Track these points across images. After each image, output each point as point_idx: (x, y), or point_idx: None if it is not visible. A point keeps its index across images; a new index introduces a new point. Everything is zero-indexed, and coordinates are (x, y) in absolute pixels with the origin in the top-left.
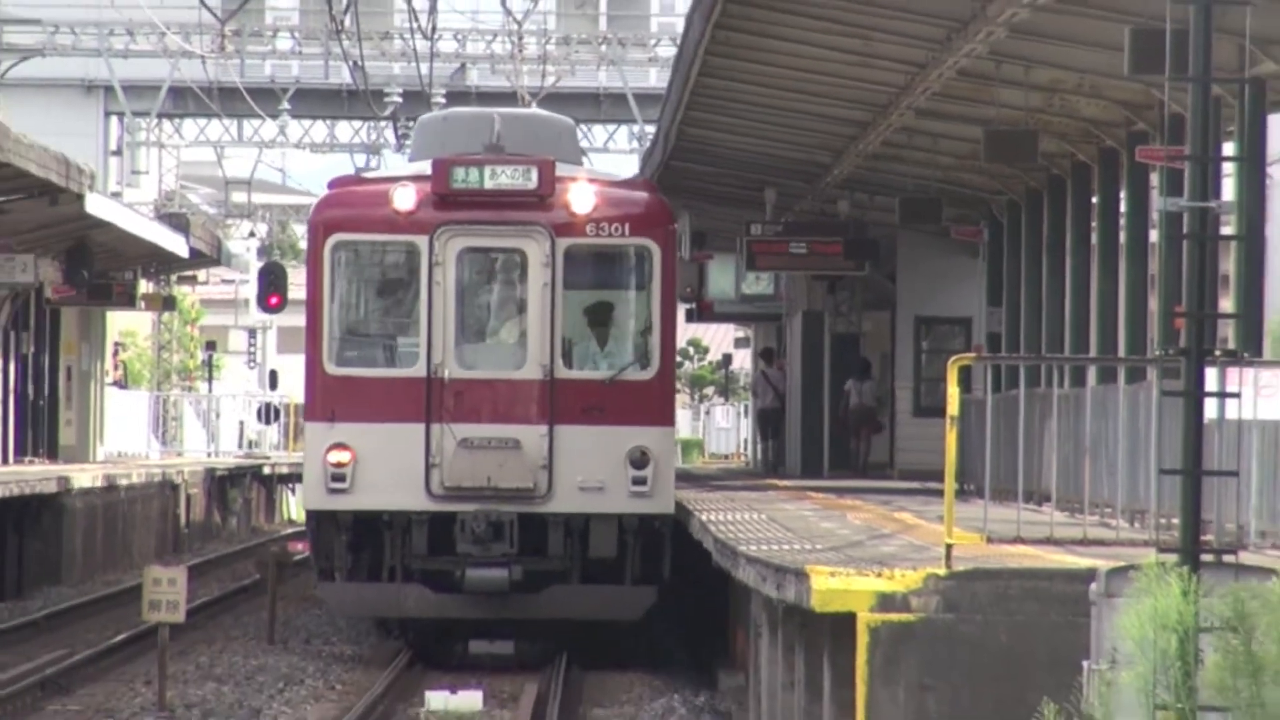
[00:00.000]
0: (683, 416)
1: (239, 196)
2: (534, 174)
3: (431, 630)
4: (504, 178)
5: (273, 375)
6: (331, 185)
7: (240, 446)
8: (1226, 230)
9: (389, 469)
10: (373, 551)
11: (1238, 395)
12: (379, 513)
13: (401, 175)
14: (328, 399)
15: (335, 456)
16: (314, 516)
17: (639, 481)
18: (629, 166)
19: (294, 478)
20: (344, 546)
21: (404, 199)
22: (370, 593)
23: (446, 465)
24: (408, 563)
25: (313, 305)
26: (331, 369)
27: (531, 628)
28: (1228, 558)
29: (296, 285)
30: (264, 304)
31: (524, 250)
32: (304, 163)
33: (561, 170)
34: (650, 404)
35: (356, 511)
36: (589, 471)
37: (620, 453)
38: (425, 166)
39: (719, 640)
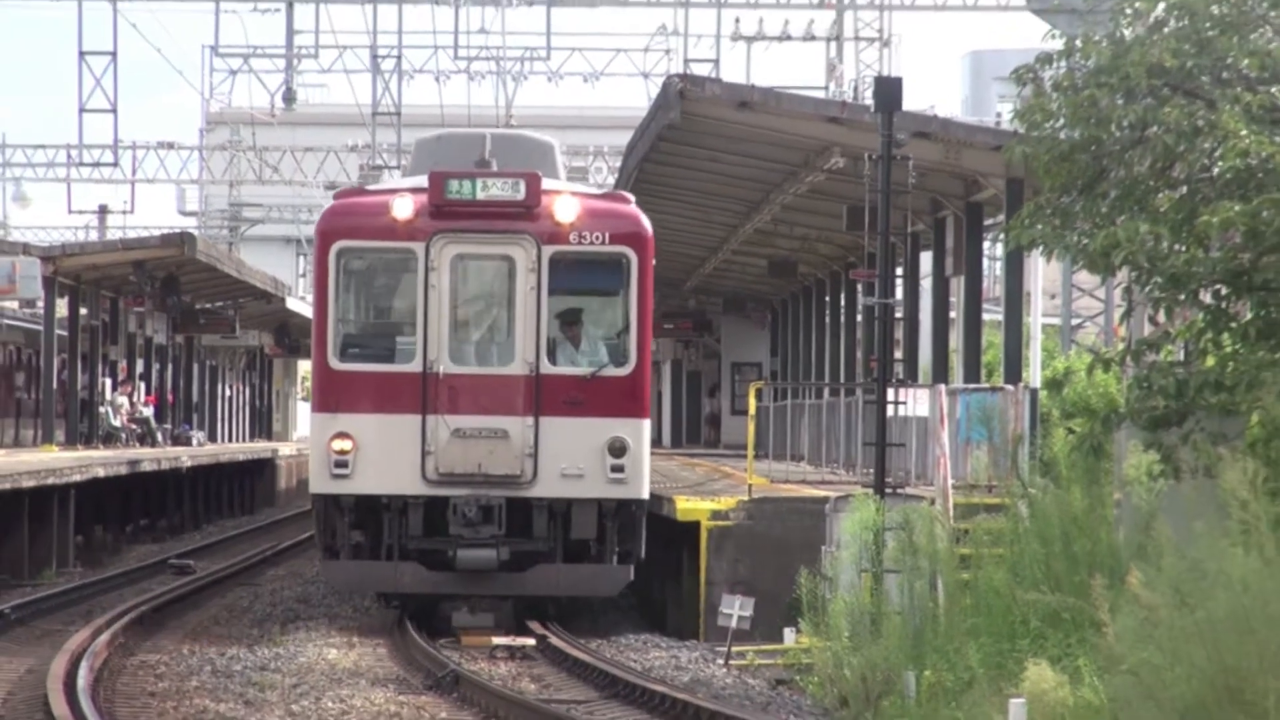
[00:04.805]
0: None
1: None
2: (522, 186)
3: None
4: (494, 189)
5: None
6: (337, 197)
7: None
8: (899, 315)
9: (388, 456)
10: (372, 532)
11: (905, 403)
12: (378, 496)
13: (400, 187)
14: (332, 392)
15: (338, 445)
16: (319, 499)
17: (617, 469)
18: None
19: None
20: (346, 527)
21: (402, 209)
22: (370, 570)
23: (440, 453)
24: (404, 543)
25: (319, 306)
26: (335, 364)
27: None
28: (899, 491)
29: None
30: None
31: (512, 256)
32: None
33: (547, 184)
34: (627, 398)
35: (358, 495)
36: (571, 459)
37: (600, 443)
38: (422, 180)
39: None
